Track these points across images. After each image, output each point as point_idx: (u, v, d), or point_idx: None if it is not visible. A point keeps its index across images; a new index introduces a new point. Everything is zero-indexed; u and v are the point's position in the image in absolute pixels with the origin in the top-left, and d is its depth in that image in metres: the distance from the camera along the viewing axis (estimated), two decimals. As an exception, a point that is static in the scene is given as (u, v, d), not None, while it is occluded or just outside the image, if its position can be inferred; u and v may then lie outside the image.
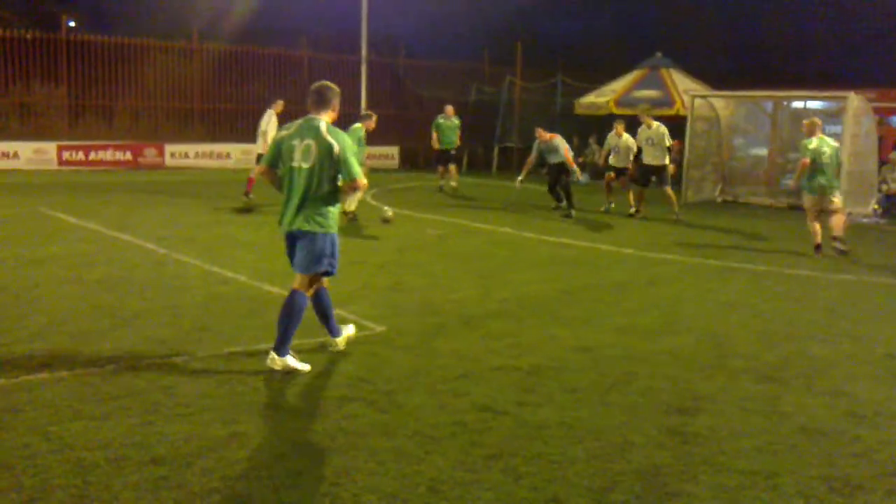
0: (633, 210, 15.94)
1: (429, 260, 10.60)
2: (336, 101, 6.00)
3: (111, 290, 8.09)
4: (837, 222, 11.74)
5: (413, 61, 29.41)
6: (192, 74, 25.47)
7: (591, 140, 25.39)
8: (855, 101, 16.78)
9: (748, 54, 27.55)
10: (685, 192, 19.07)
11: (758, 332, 7.38)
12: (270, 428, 4.76)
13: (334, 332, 6.33)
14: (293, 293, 5.90)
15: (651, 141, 15.58)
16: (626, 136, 16.62)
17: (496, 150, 28.32)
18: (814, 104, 20.21)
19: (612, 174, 16.86)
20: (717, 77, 24.18)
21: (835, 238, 11.70)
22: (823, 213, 11.83)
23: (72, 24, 26.54)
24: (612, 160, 16.82)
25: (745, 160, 21.63)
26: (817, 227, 11.70)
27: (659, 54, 24.97)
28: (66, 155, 22.75)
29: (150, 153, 23.89)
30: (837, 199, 11.73)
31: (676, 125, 19.73)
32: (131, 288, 8.23)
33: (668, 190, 15.65)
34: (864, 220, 16.34)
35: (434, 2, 29.84)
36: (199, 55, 25.53)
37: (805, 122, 12.09)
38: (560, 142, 15.41)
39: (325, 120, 5.88)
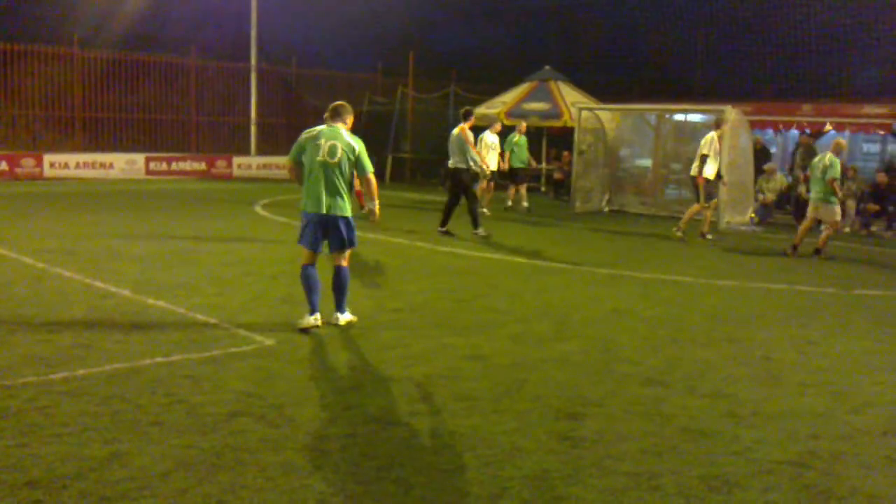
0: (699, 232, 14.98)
1: (321, 271, 10.48)
2: (348, 117, 7.50)
3: (-16, 307, 7.70)
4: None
5: (305, 70, 29.14)
6: (73, 82, 24.56)
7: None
8: (732, 114, 17.50)
9: (635, 68, 28.41)
10: (573, 203, 19.53)
11: (643, 338, 7.59)
12: (154, 446, 4.60)
13: (341, 308, 7.52)
14: (338, 269, 7.45)
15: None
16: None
17: (389, 160, 28.34)
18: (694, 116, 21.00)
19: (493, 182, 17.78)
20: (604, 90, 24.82)
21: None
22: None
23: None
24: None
25: (631, 171, 22.30)
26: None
27: (547, 67, 25.49)
28: (-64, 165, 21.58)
29: (27, 163, 22.84)
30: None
31: (564, 136, 20.22)
32: (7, 304, 7.85)
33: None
34: (743, 229, 17.06)
35: (327, 12, 29.64)
36: (80, 62, 24.63)
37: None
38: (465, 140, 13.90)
39: (343, 127, 7.39)
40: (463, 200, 13.94)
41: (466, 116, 14.16)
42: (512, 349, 6.98)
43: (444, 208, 14.13)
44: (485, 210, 17.67)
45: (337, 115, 7.50)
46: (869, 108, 19.67)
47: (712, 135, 14.51)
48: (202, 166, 25.79)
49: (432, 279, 10.19)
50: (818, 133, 20.53)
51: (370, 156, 7.54)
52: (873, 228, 17.34)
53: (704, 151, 14.38)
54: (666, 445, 4.92)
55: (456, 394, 5.73)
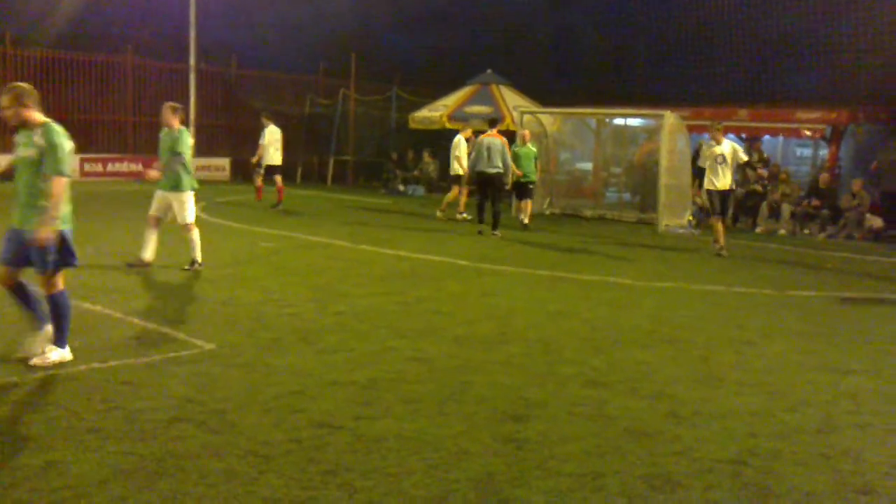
0: (719, 248, 13.86)
1: (263, 274, 10.37)
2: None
3: (-90, 312, 7.43)
4: None
5: (246, 71, 28.79)
6: (5, 81, 23.80)
7: (426, 153, 25.77)
8: (670, 118, 17.80)
9: (576, 73, 28.70)
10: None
11: (585, 339, 7.66)
12: (91, 454, 4.49)
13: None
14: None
15: (722, 160, 13.60)
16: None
17: (331, 163, 28.22)
18: (634, 121, 21.31)
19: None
20: (546, 94, 25.01)
21: None
22: None
23: None
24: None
25: (572, 174, 22.53)
26: None
27: (489, 71, 25.62)
28: None
29: (-44, 164, 22.16)
30: None
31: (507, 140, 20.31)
32: (-66, 309, 7.58)
33: (722, 221, 14.03)
34: (680, 231, 17.36)
35: (268, 13, 29.32)
36: (12, 60, 23.96)
37: None
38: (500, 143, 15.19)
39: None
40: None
41: (494, 124, 15.32)
42: (456, 352, 6.98)
43: (493, 214, 15.12)
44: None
45: None
46: (802, 114, 20.18)
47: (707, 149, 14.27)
48: (139, 168, 25.25)
49: (376, 282, 10.14)
50: (753, 137, 21.02)
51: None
52: (806, 231, 17.80)
53: (701, 164, 14.15)
54: (609, 446, 4.97)
55: (401, 397, 5.71)
